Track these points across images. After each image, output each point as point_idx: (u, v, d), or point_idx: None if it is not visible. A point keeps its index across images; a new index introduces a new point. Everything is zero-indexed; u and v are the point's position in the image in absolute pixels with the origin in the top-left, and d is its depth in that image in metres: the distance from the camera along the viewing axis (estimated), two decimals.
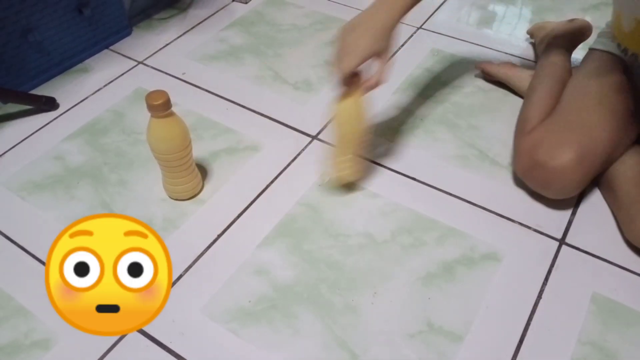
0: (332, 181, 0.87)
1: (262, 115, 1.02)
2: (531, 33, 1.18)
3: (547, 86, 0.92)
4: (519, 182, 0.89)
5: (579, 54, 1.03)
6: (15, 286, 0.75)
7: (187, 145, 0.80)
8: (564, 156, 0.79)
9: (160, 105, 0.74)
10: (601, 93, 0.85)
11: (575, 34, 1.04)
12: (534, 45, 1.17)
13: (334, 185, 0.87)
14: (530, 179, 0.84)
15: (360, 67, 0.75)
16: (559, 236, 0.81)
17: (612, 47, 0.89)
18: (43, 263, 0.78)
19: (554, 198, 0.84)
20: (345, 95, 0.77)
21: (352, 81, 0.76)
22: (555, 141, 0.81)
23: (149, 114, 0.75)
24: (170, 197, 0.86)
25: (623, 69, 0.87)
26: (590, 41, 1.02)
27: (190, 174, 0.84)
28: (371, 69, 0.76)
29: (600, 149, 0.81)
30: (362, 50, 0.73)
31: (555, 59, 0.98)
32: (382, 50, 0.74)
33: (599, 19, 0.96)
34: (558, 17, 1.15)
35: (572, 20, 1.07)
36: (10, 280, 0.76)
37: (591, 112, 0.83)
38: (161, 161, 0.81)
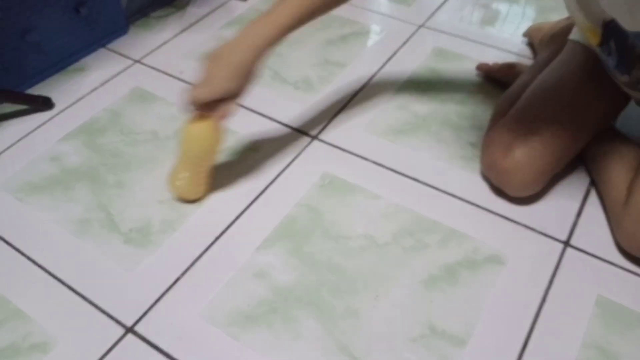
0: (173, 194, 0.85)
1: (261, 115, 1.01)
2: (528, 35, 1.17)
3: (522, 79, 0.90)
4: None
5: None
6: (13, 289, 0.74)
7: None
8: (513, 156, 0.78)
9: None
10: (561, 86, 0.82)
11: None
12: (532, 47, 1.16)
13: (174, 197, 0.85)
14: (489, 176, 0.85)
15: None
16: (563, 238, 0.80)
17: (583, 37, 0.87)
18: (41, 266, 0.77)
19: (515, 196, 0.83)
20: (197, 117, 0.77)
21: (207, 105, 0.75)
22: (505, 140, 0.80)
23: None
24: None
25: (593, 60, 0.84)
26: None
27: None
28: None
29: (553, 147, 0.79)
30: (218, 88, 0.71)
31: (548, 57, 0.96)
32: (235, 90, 0.72)
33: None
34: (561, 17, 1.14)
35: (569, 18, 1.05)
36: (8, 283, 0.75)
37: (546, 107, 0.81)
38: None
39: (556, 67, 0.87)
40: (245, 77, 0.71)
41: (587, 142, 0.84)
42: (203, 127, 0.78)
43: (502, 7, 1.31)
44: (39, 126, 0.99)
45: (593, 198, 0.86)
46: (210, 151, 0.81)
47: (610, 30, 0.73)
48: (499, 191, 0.86)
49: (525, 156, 0.78)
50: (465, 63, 1.12)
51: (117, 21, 1.18)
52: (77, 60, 1.13)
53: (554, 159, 0.81)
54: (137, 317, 0.71)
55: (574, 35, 0.89)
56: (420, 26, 1.23)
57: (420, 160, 0.92)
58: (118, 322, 0.71)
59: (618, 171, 0.80)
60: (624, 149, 0.83)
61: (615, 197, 0.78)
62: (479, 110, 1.01)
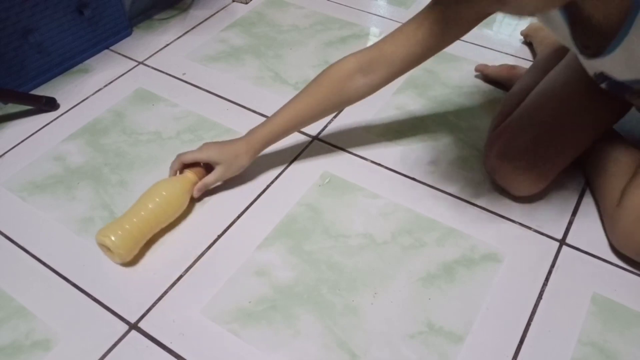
0: (106, 244, 0.74)
1: (262, 115, 1.02)
2: (526, 34, 1.18)
3: (524, 81, 0.91)
4: None
5: None
6: (15, 287, 0.75)
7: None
8: (517, 159, 0.79)
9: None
10: (568, 91, 0.83)
11: None
12: (530, 46, 1.17)
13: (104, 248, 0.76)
14: (493, 177, 0.85)
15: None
16: (560, 237, 0.81)
17: None
18: (44, 263, 0.78)
19: (518, 195, 0.84)
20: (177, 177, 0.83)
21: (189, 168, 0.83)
22: (507, 142, 0.81)
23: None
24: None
25: None
26: None
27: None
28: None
29: (555, 148, 0.80)
30: (205, 154, 0.81)
31: (549, 56, 0.97)
32: (218, 160, 0.81)
33: None
34: None
35: None
36: (11, 280, 0.76)
37: (549, 109, 0.82)
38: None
39: (562, 71, 0.87)
40: (234, 158, 0.81)
41: (588, 145, 0.85)
42: (179, 185, 0.81)
43: None
44: (43, 126, 1.00)
45: (588, 197, 0.87)
46: (175, 212, 0.81)
47: (602, 76, 0.74)
48: (496, 190, 0.87)
49: (528, 159, 0.79)
50: (462, 64, 1.13)
51: (120, 23, 1.19)
52: (81, 61, 1.15)
53: (557, 162, 0.82)
54: (140, 314, 0.72)
55: None
56: None
57: (418, 160, 0.93)
58: (122, 318, 0.72)
59: (614, 174, 0.81)
60: (621, 153, 0.83)
61: (610, 199, 0.79)
62: (477, 111, 1.02)
